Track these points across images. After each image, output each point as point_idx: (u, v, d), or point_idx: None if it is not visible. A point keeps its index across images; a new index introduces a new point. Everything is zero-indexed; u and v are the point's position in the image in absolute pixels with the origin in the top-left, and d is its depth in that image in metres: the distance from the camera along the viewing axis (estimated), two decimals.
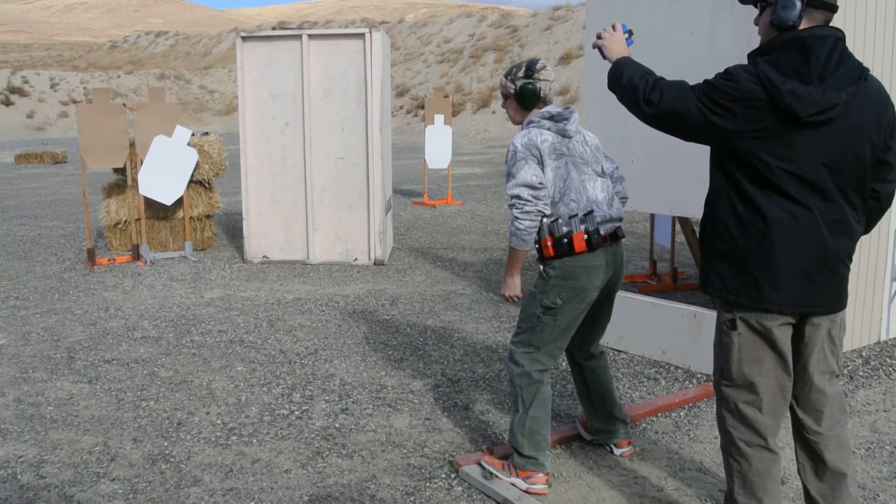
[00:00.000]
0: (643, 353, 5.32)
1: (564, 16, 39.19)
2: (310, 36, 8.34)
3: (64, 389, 4.93)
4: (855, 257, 5.13)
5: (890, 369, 5.01)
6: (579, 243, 3.34)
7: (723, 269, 2.70)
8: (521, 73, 3.51)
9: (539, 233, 3.40)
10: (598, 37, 3.07)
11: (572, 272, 3.38)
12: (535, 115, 3.50)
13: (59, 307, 6.93)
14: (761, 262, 2.60)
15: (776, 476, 2.78)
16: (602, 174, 3.54)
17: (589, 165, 3.49)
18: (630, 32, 3.14)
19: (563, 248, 3.35)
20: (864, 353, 5.27)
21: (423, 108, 20.05)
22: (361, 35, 8.22)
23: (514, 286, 3.53)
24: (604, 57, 3.05)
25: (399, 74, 41.65)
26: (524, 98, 3.49)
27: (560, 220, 3.37)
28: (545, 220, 3.38)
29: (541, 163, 3.37)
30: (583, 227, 3.36)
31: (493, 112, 33.18)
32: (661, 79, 2.74)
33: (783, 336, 2.66)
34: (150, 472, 3.81)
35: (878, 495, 3.46)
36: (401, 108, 38.10)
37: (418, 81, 41.09)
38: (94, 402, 4.71)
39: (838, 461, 2.80)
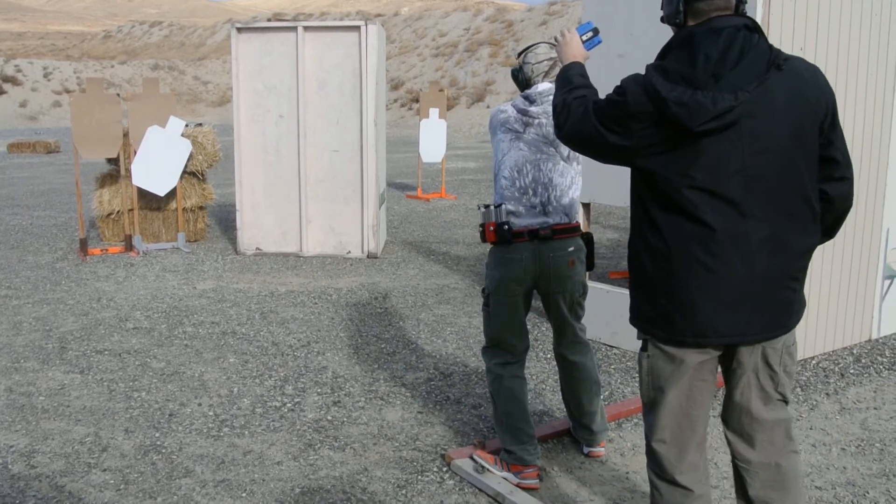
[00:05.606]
0: (635, 348, 5.30)
1: (560, 11, 39.18)
2: (305, 28, 8.32)
3: (55, 379, 4.92)
4: (847, 255, 5.17)
5: (881, 367, 5.03)
6: (489, 234, 3.45)
7: (639, 298, 2.44)
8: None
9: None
10: (556, 41, 2.82)
11: (494, 261, 3.51)
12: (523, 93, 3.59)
13: (51, 297, 6.91)
14: (670, 292, 2.31)
15: None
16: (567, 159, 3.49)
17: (553, 147, 3.46)
18: (595, 31, 2.82)
19: (482, 236, 3.49)
20: (854, 351, 5.29)
21: (417, 101, 20.02)
22: (357, 28, 8.20)
23: None
24: None
25: (394, 68, 41.56)
26: (514, 82, 3.62)
27: (487, 208, 3.45)
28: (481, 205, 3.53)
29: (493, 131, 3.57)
30: (494, 218, 3.44)
31: (488, 106, 33.16)
32: (579, 97, 2.43)
33: (699, 366, 2.36)
34: (142, 462, 3.80)
35: (868, 492, 3.48)
36: (395, 101, 38.03)
37: (413, 75, 41.04)
38: (85, 393, 4.70)
39: (766, 498, 2.45)
